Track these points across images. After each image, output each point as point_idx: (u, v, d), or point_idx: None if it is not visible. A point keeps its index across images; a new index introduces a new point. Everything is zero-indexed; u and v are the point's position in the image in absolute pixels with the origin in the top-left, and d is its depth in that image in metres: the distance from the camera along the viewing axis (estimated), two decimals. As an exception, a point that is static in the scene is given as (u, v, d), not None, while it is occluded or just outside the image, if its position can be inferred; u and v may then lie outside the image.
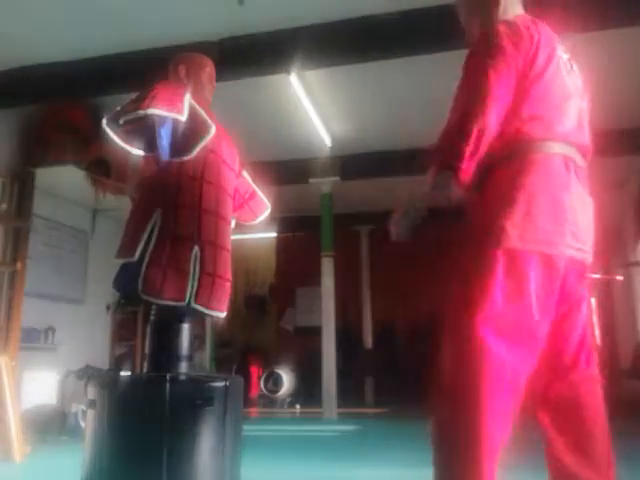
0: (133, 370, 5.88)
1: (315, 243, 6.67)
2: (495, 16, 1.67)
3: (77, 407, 4.64)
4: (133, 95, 1.98)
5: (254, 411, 7.18)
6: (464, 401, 1.39)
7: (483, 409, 1.37)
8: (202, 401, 1.86)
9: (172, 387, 1.84)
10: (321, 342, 6.19)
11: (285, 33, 3.81)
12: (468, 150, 1.43)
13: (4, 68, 4.25)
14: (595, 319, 6.96)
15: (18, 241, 4.62)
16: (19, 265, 4.51)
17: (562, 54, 1.63)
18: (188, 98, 1.96)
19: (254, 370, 8.01)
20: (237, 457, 2.03)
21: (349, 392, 6.89)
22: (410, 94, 4.71)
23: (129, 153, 1.98)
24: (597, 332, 6.72)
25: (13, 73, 4.27)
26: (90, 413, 1.92)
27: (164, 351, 2.06)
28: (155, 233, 1.97)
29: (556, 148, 1.53)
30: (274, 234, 8.71)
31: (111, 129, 1.89)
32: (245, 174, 2.51)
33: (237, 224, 2.52)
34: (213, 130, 2.04)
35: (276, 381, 7.29)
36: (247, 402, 7.28)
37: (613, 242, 6.91)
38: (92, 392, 1.92)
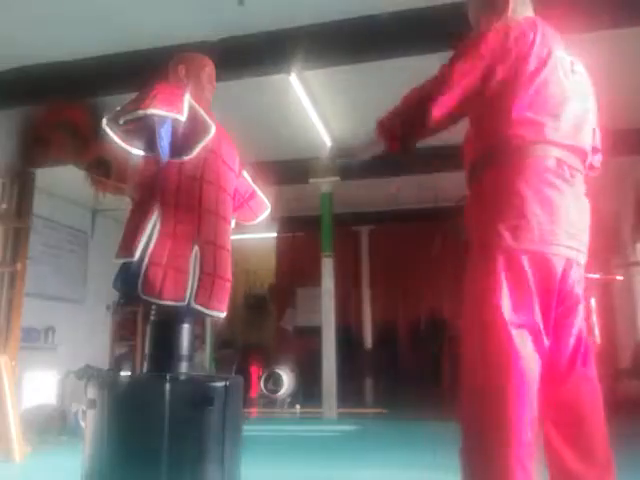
0: (133, 370, 5.89)
1: (315, 243, 6.67)
2: (503, 18, 1.68)
3: (77, 407, 4.64)
4: (133, 95, 1.98)
5: (254, 411, 7.17)
6: (496, 394, 1.41)
7: (513, 402, 1.38)
8: (202, 401, 1.86)
9: (172, 387, 1.84)
10: (321, 342, 6.18)
11: (285, 33, 3.80)
12: (402, 121, 1.62)
13: (4, 68, 4.25)
14: (595, 319, 6.95)
15: (18, 241, 4.62)
16: (19, 265, 4.51)
17: (563, 55, 1.62)
18: (188, 98, 1.96)
19: (254, 370, 8.00)
20: (237, 457, 2.03)
21: (349, 392, 6.89)
22: (410, 94, 4.70)
23: (129, 153, 1.98)
24: (597, 332, 6.71)
25: (13, 73, 4.27)
26: (90, 413, 1.92)
27: (164, 351, 2.06)
28: (155, 233, 1.97)
29: (548, 151, 1.53)
30: (274, 234, 8.70)
31: (111, 129, 1.89)
32: (245, 174, 2.51)
33: (237, 224, 2.52)
34: (213, 130, 2.04)
35: (276, 381, 7.27)
36: (247, 402, 7.28)
37: (613, 242, 6.90)
38: (92, 392, 1.92)
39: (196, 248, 2.04)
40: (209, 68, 2.35)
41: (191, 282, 2.01)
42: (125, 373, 2.15)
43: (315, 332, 6.65)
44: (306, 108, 4.97)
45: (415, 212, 7.61)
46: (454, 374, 1.71)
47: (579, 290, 1.58)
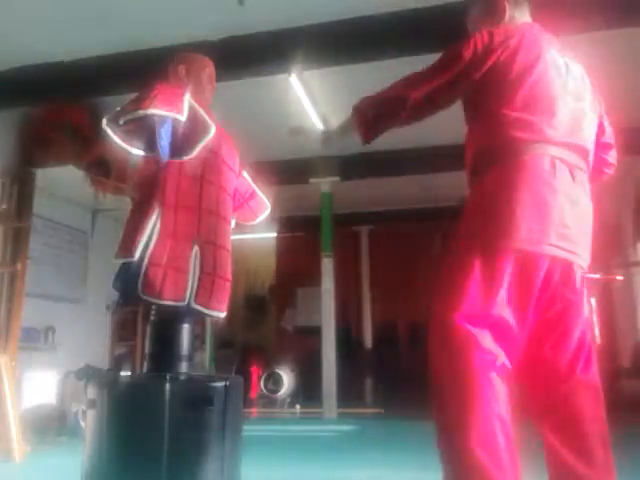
0: (133, 370, 5.89)
1: (315, 243, 6.67)
2: (501, 25, 1.71)
3: (77, 407, 4.64)
4: (133, 95, 1.98)
5: (254, 411, 7.17)
6: (451, 382, 1.46)
7: (468, 388, 1.41)
8: (202, 401, 1.86)
9: (172, 387, 1.84)
10: (321, 342, 6.19)
11: (285, 33, 3.80)
12: (378, 104, 1.79)
13: (4, 68, 4.25)
14: (595, 319, 6.96)
15: (18, 241, 4.62)
16: (19, 265, 4.51)
17: (556, 56, 1.63)
18: (188, 98, 1.96)
19: (254, 370, 7.99)
20: (237, 457, 2.03)
21: (349, 392, 6.89)
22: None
23: (129, 153, 1.98)
24: (597, 332, 6.72)
25: (13, 73, 4.27)
26: (90, 413, 1.92)
27: (164, 351, 2.06)
28: (155, 233, 1.97)
29: (543, 150, 1.53)
30: (274, 234, 8.70)
31: (111, 129, 1.89)
32: (245, 174, 2.52)
33: (237, 224, 2.53)
34: (213, 130, 2.04)
35: (276, 381, 7.27)
36: (247, 402, 7.28)
37: (613, 242, 6.90)
38: (92, 392, 1.92)
39: (196, 248, 2.04)
40: (209, 68, 2.36)
41: (191, 282, 2.01)
42: (125, 373, 2.15)
43: (315, 332, 6.65)
44: (306, 108, 4.97)
45: (415, 212, 7.62)
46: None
47: (572, 293, 1.55)
